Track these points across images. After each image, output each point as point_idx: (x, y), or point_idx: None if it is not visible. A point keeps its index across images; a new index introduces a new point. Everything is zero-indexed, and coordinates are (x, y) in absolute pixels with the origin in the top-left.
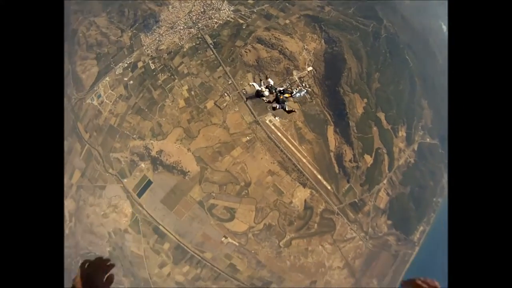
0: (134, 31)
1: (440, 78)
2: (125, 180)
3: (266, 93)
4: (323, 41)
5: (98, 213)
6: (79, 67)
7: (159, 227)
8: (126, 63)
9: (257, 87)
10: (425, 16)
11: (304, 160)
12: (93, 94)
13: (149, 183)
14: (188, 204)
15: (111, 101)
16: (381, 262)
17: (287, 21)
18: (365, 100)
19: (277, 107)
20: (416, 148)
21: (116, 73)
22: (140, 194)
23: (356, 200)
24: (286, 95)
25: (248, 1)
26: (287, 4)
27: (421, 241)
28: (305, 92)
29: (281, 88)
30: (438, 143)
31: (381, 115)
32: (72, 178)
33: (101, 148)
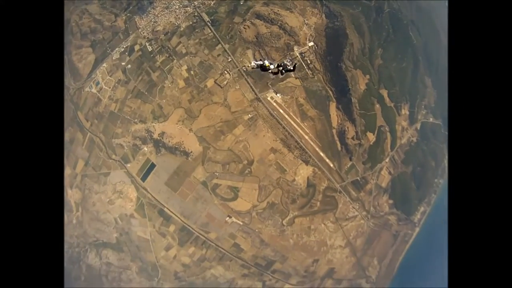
0: (128, 14)
1: (443, 57)
2: (129, 165)
3: (272, 66)
4: (324, 15)
5: (103, 200)
6: (75, 57)
7: (164, 210)
8: (123, 47)
9: (259, 63)
10: None
11: (306, 137)
12: (91, 82)
13: (153, 166)
14: (191, 185)
15: (110, 87)
16: (382, 241)
17: None
18: (368, 76)
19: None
20: (418, 127)
21: (113, 58)
22: (144, 178)
23: (358, 178)
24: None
25: None
26: None
27: (421, 222)
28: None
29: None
30: (441, 123)
31: (384, 92)
32: (76, 167)
33: (103, 135)
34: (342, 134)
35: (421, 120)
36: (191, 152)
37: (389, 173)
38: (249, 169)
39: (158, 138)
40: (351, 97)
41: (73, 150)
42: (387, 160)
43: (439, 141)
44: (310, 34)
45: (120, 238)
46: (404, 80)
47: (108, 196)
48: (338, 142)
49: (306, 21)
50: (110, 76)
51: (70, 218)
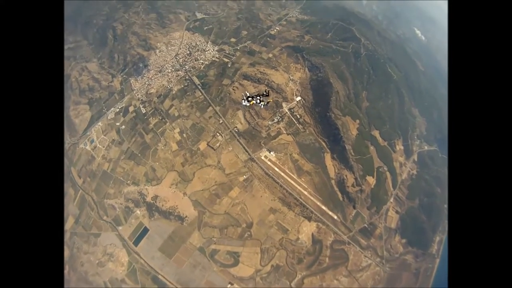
0: (124, 76)
1: (424, 83)
2: (120, 227)
3: (253, 100)
4: (307, 69)
5: (93, 262)
6: (72, 112)
7: (158, 277)
8: (118, 107)
9: (248, 94)
10: (398, 26)
11: (306, 193)
12: (86, 139)
13: (146, 230)
14: (188, 251)
15: (104, 146)
16: (404, 283)
17: (270, 55)
18: (357, 121)
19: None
20: (416, 159)
21: (108, 118)
22: (136, 242)
23: (365, 225)
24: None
25: (231, 40)
26: (268, 39)
27: (440, 252)
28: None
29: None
30: (436, 148)
31: (376, 133)
32: (65, 224)
33: (95, 194)
34: (341, 183)
35: (416, 151)
36: (186, 216)
37: (396, 212)
38: (248, 232)
39: (151, 201)
40: (345, 144)
41: (64, 206)
42: (391, 200)
43: (439, 166)
44: (297, 89)
45: None
46: (392, 117)
47: (98, 257)
48: (338, 192)
49: (291, 77)
50: (105, 135)
51: None
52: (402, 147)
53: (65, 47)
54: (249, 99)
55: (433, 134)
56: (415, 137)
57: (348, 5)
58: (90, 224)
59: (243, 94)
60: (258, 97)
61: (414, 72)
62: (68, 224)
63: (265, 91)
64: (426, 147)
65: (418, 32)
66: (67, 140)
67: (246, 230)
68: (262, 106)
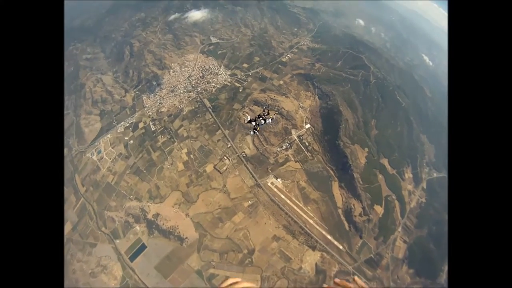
0: (137, 92)
1: (432, 109)
2: (118, 241)
3: (253, 123)
4: (317, 97)
5: (85, 271)
6: (83, 121)
7: None
8: (128, 122)
9: (249, 118)
10: (406, 53)
11: (311, 221)
12: (94, 149)
13: (143, 247)
14: (185, 272)
15: (110, 158)
16: None
17: (281, 82)
18: (366, 149)
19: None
20: (425, 186)
21: (118, 131)
22: (132, 258)
23: (372, 255)
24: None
25: (243, 65)
26: (279, 66)
27: None
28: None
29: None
30: (445, 175)
31: (385, 161)
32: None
33: (96, 204)
34: (348, 212)
35: (426, 178)
36: (186, 237)
37: (404, 241)
38: (249, 259)
39: (152, 219)
40: (353, 173)
41: (64, 211)
42: (399, 229)
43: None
44: (306, 117)
45: None
46: (401, 144)
47: (91, 267)
48: (345, 222)
49: (301, 104)
50: (112, 148)
51: None
52: (411, 175)
53: (83, 57)
54: (253, 125)
55: (442, 160)
56: (424, 164)
57: (358, 33)
58: (88, 233)
59: (244, 118)
60: (260, 117)
61: (422, 99)
62: (66, 229)
63: (264, 110)
64: (435, 174)
65: (425, 58)
66: (75, 147)
67: (247, 257)
68: (270, 122)
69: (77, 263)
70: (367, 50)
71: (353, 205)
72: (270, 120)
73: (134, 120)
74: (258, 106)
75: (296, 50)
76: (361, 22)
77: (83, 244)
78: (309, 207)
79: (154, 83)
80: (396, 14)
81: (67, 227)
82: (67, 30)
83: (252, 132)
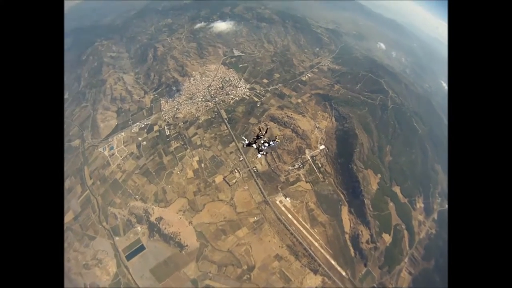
0: (156, 95)
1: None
2: (117, 238)
3: (254, 145)
4: (333, 118)
5: (80, 261)
6: (100, 115)
7: None
8: (143, 123)
9: (247, 142)
10: (425, 79)
11: (316, 244)
12: (106, 144)
13: (142, 248)
14: (180, 280)
15: (121, 156)
16: None
17: (299, 100)
18: (379, 175)
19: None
20: (436, 217)
21: (132, 130)
22: (129, 257)
23: (375, 285)
24: (264, 145)
25: (263, 80)
26: (299, 84)
27: None
28: (276, 143)
29: (262, 140)
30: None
31: (397, 189)
32: (64, 216)
33: (101, 199)
34: (355, 238)
35: (437, 209)
36: (187, 245)
37: (409, 273)
38: (248, 275)
39: (155, 221)
40: (364, 198)
41: (68, 200)
42: (406, 260)
43: None
44: (321, 137)
45: None
46: (415, 172)
47: (86, 259)
48: (351, 248)
49: (317, 125)
50: (125, 146)
51: None
52: (422, 205)
53: (107, 54)
54: (255, 147)
55: None
56: (437, 195)
57: (378, 57)
58: (88, 225)
59: (243, 142)
60: (263, 140)
61: (439, 126)
62: (67, 218)
63: (260, 130)
64: (447, 205)
65: (444, 85)
66: (88, 140)
67: (246, 273)
68: (273, 144)
69: (73, 252)
70: (387, 74)
71: (361, 231)
72: (273, 143)
73: (149, 122)
74: (274, 122)
75: (316, 70)
76: (382, 45)
77: (82, 235)
78: (315, 230)
79: (174, 88)
80: (418, 40)
81: (69, 216)
82: (95, 26)
83: (259, 155)
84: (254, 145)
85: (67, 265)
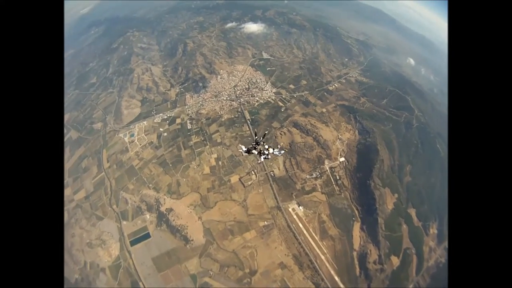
0: (182, 89)
1: None
2: (125, 222)
3: (254, 151)
4: (357, 131)
5: (84, 238)
6: (124, 103)
7: (139, 284)
8: (166, 115)
9: (244, 148)
10: None
11: (323, 257)
12: (127, 131)
13: (147, 236)
14: (179, 273)
15: (140, 144)
16: None
17: (324, 110)
18: (396, 195)
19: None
20: (447, 246)
21: (154, 121)
22: (133, 243)
23: None
24: (267, 150)
25: (290, 86)
26: (325, 93)
27: None
28: (282, 152)
29: (267, 146)
30: None
31: (412, 212)
32: (76, 194)
33: (115, 182)
34: (363, 257)
35: None
36: (192, 240)
37: None
38: (249, 279)
39: (165, 212)
40: (378, 217)
41: (83, 178)
42: (411, 286)
43: None
44: (342, 149)
45: (80, 282)
46: (432, 196)
47: (91, 238)
48: (357, 266)
49: (340, 136)
50: (145, 135)
51: None
52: (436, 231)
53: (138, 45)
54: (255, 153)
55: None
56: None
57: (407, 73)
58: (98, 206)
59: (241, 151)
60: (266, 145)
61: None
62: (79, 195)
63: (256, 135)
64: None
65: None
66: (110, 124)
67: (247, 276)
68: (278, 153)
69: (79, 229)
70: (414, 91)
71: (370, 250)
72: (276, 151)
73: (172, 115)
74: (297, 129)
75: (343, 81)
76: (412, 61)
77: (91, 214)
78: (324, 243)
79: (200, 84)
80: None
81: (81, 194)
82: (128, 18)
83: (262, 158)
84: (255, 151)
85: (70, 240)
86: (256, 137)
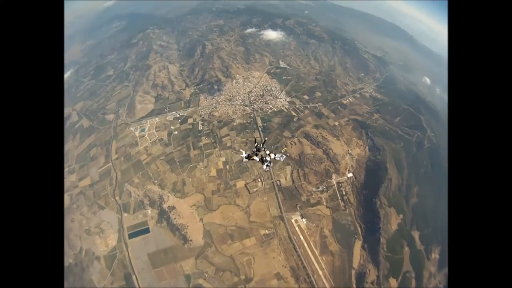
0: (197, 90)
1: None
2: (126, 214)
3: (255, 158)
4: (367, 148)
5: (83, 225)
6: (139, 97)
7: (132, 277)
8: (179, 114)
9: (245, 154)
10: None
11: (320, 273)
12: (139, 125)
13: (146, 230)
14: (174, 271)
15: (150, 140)
16: None
17: (336, 123)
18: (401, 216)
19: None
20: (448, 273)
21: (167, 118)
22: (132, 236)
23: None
24: (269, 156)
25: (304, 96)
26: (338, 107)
27: None
28: (283, 157)
29: (268, 151)
30: None
31: (415, 234)
32: (81, 180)
33: (121, 174)
34: (361, 276)
35: None
36: (191, 240)
37: None
38: (243, 286)
39: (167, 209)
40: (380, 237)
41: (89, 166)
42: None
43: None
44: (351, 165)
45: (74, 267)
46: (437, 220)
47: (90, 225)
48: (354, 285)
49: (350, 151)
50: (156, 131)
51: None
52: (437, 256)
53: (157, 42)
54: (258, 160)
55: None
56: None
57: (421, 92)
58: (101, 195)
59: (241, 156)
60: (268, 151)
61: None
62: (83, 183)
63: (255, 141)
64: None
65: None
66: (122, 117)
67: (242, 283)
68: (280, 158)
69: (79, 215)
70: (428, 111)
71: (369, 270)
72: (278, 156)
73: (185, 114)
74: (308, 140)
75: (358, 95)
76: (428, 80)
77: (93, 202)
78: (323, 258)
79: (215, 87)
80: None
81: (85, 182)
82: (150, 15)
83: (265, 166)
84: (256, 157)
85: (69, 224)
86: (256, 143)
